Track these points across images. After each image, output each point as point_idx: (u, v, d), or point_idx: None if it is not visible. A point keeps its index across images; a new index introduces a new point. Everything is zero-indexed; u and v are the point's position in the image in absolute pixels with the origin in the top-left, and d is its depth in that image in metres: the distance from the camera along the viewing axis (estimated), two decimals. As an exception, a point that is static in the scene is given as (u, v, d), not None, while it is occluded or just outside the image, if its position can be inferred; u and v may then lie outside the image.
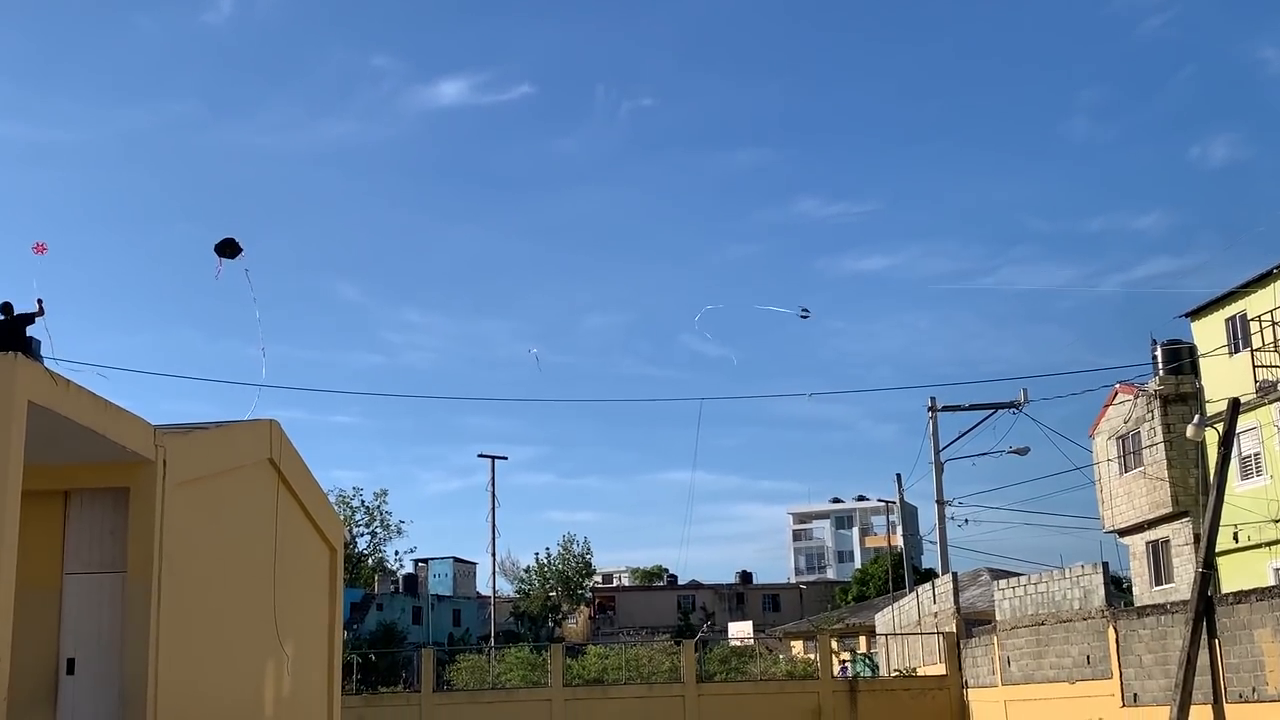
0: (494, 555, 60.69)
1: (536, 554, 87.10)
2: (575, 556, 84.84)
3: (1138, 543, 37.26)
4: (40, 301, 15.10)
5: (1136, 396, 36.00)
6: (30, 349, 14.62)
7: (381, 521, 77.28)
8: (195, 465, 14.49)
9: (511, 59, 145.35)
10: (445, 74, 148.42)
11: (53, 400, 11.78)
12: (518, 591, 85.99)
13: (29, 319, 15.00)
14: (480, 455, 60.39)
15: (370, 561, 77.63)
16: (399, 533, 79.04)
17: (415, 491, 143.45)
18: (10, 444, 11.06)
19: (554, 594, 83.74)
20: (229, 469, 15.68)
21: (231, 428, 16.05)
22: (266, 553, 16.62)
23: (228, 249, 17.16)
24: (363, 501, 76.00)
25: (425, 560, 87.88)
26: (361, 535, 76.16)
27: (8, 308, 14.95)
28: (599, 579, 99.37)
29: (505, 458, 66.11)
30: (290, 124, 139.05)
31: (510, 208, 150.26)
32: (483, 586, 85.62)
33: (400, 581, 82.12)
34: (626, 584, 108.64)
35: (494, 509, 58.28)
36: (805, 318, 30.47)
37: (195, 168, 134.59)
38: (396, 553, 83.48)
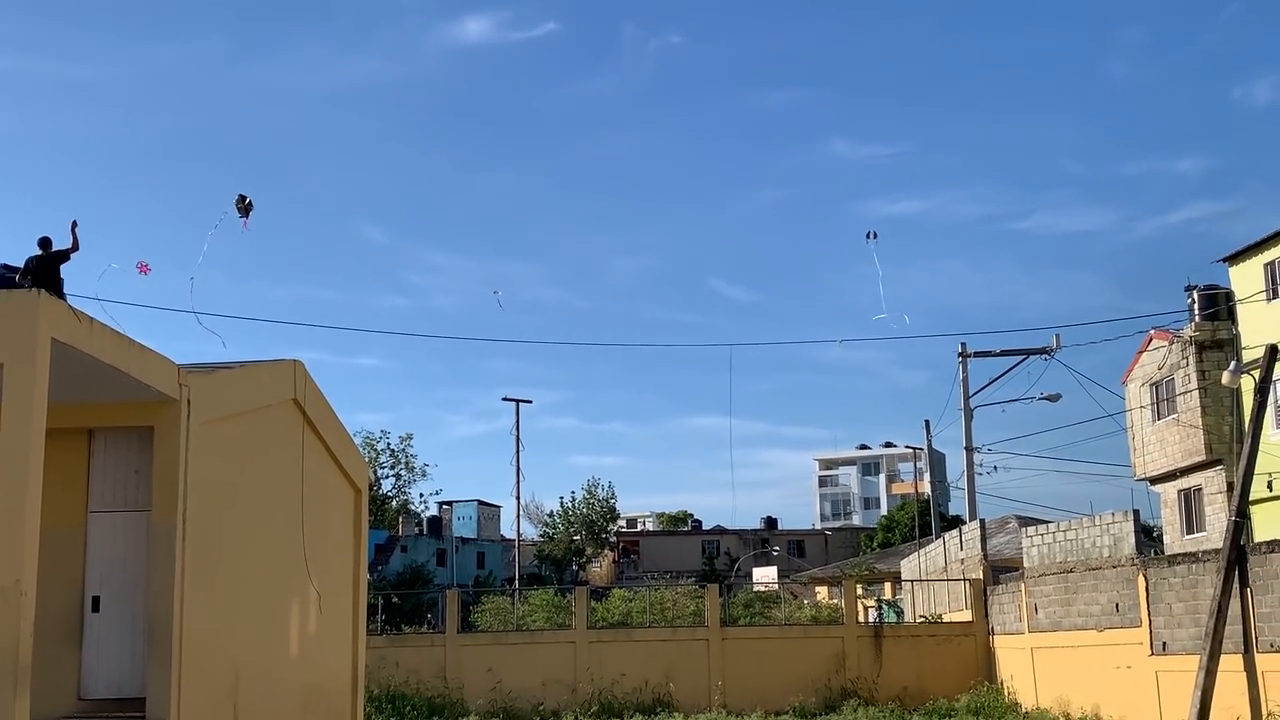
0: (519, 499, 61.08)
1: (561, 498, 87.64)
2: (599, 501, 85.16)
3: (1169, 491, 36.98)
4: (75, 227, 14.93)
5: (1171, 343, 35.57)
6: (61, 287, 14.52)
7: (406, 464, 77.80)
8: (219, 404, 14.37)
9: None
10: (470, 10, 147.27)
11: (76, 338, 11.63)
12: (542, 535, 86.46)
13: (64, 256, 14.88)
14: (505, 399, 60.64)
15: (395, 504, 78.12)
16: (424, 475, 79.70)
17: (441, 434, 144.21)
18: (35, 382, 10.94)
19: (578, 538, 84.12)
20: (253, 409, 15.56)
21: (255, 367, 15.91)
22: (291, 493, 16.54)
23: (242, 205, 17.19)
24: (388, 444, 76.47)
25: (450, 503, 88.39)
26: (386, 477, 76.62)
27: (46, 243, 14.83)
28: (623, 523, 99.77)
29: (530, 401, 66.36)
30: (314, 63, 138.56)
31: (537, 149, 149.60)
32: (507, 530, 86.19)
33: (425, 524, 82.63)
34: (651, 529, 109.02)
35: (519, 452, 58.54)
36: (873, 240, 30.23)
37: (219, 106, 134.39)
38: (421, 495, 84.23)
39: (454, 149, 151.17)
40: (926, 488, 58.14)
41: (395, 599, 43.42)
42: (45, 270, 14.57)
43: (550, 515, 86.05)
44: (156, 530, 13.24)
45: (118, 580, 13.66)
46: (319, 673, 17.70)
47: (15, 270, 14.93)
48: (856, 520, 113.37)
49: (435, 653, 33.05)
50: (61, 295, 14.02)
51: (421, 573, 68.88)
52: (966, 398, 38.81)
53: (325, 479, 18.08)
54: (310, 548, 16.86)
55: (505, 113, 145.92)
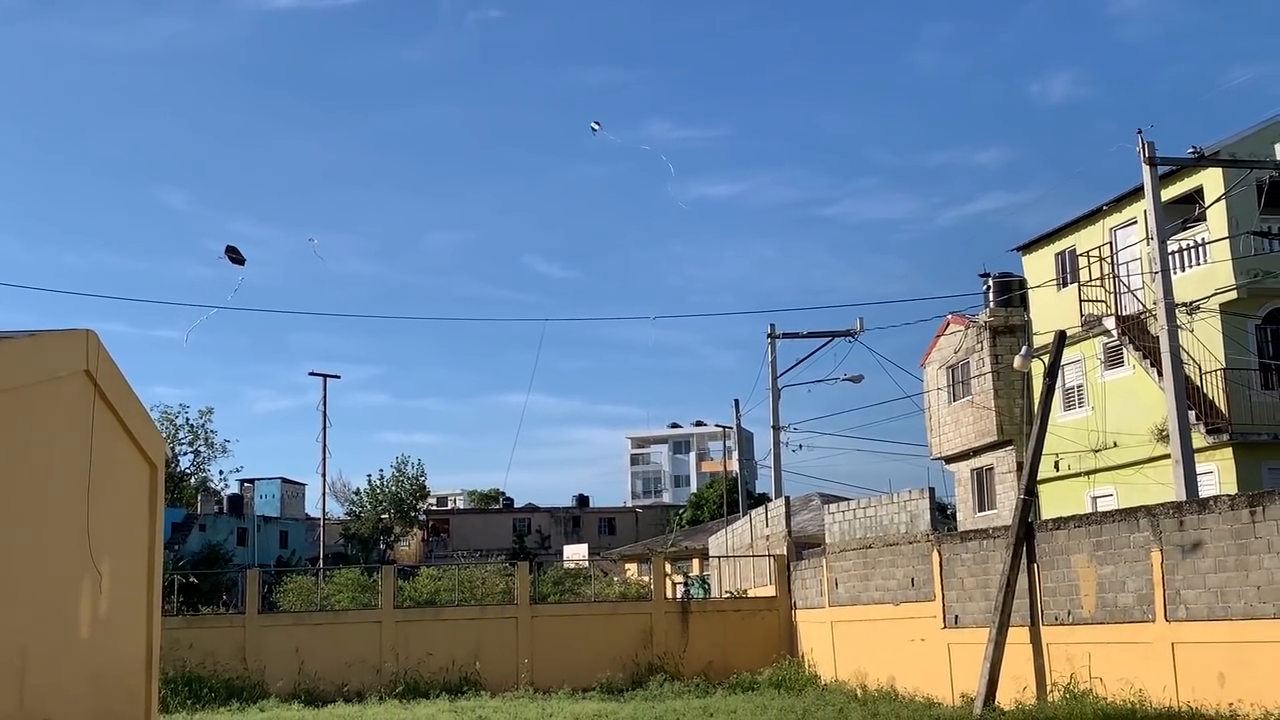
0: (324, 476, 59.66)
1: (369, 476, 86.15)
2: (409, 479, 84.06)
3: (963, 470, 38.49)
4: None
5: (967, 327, 36.98)
6: None
7: (206, 440, 75.41)
8: (3, 376, 13.57)
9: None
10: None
11: None
12: (348, 513, 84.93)
13: None
14: (312, 374, 59.14)
15: (194, 481, 75.62)
16: (224, 452, 77.44)
17: (244, 410, 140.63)
18: None
19: (386, 516, 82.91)
20: (40, 381, 14.75)
21: (43, 337, 15.08)
22: (80, 469, 15.77)
23: (233, 255, 16.38)
24: (187, 419, 73.96)
25: (251, 480, 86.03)
26: (185, 454, 74.07)
27: None
28: (434, 502, 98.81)
29: (338, 376, 65.03)
30: (115, 19, 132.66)
31: (351, 118, 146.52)
32: (312, 508, 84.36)
33: (225, 502, 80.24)
34: (462, 507, 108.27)
35: (325, 428, 57.19)
36: (596, 130, 30.15)
37: (9, 62, 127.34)
38: (222, 472, 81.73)
39: (262, 116, 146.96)
40: (735, 466, 59.17)
41: (193, 579, 42.01)
42: None
43: (358, 493, 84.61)
44: (-69, 508, 12.44)
45: (-114, 561, 12.78)
46: (112, 653, 16.96)
47: None
48: (667, 498, 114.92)
49: (234, 634, 32.09)
50: None
51: (220, 552, 66.98)
52: (774, 378, 39.64)
53: (118, 454, 17.30)
54: (101, 526, 16.11)
55: (316, 79, 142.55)
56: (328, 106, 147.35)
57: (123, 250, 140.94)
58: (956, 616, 23.37)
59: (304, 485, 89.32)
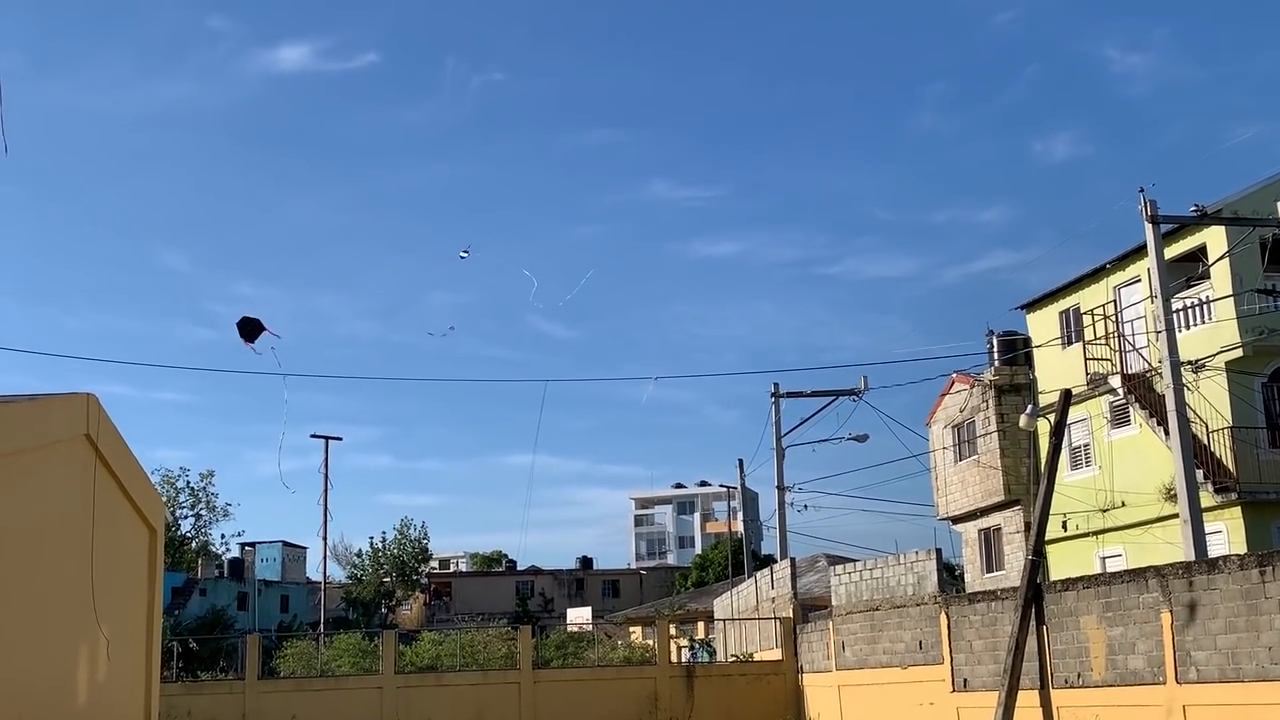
0: (325, 539, 59.28)
1: (371, 538, 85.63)
2: (411, 541, 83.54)
3: (970, 530, 38.20)
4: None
5: (972, 386, 36.86)
6: None
7: (207, 503, 74.91)
8: (4, 439, 13.49)
9: (358, 25, 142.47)
10: (287, 38, 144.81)
11: None
12: (350, 577, 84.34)
13: None
14: (313, 435, 58.87)
15: (194, 545, 75.14)
16: (225, 515, 76.73)
17: (245, 472, 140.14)
18: None
19: (388, 580, 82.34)
20: (41, 444, 14.67)
21: (44, 401, 15.02)
22: (80, 533, 15.64)
23: (250, 329, 16.24)
24: (188, 482, 73.54)
25: (252, 544, 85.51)
26: (186, 517, 73.67)
27: None
28: (436, 564, 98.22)
29: (340, 438, 64.84)
30: (119, 83, 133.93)
31: (352, 179, 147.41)
32: (313, 572, 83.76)
33: (226, 566, 79.69)
34: (465, 569, 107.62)
35: (326, 491, 56.82)
36: (465, 257, 30.13)
37: (15, 125, 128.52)
38: (223, 536, 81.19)
39: (264, 178, 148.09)
40: (740, 526, 58.80)
41: (193, 644, 41.60)
42: None
43: (359, 556, 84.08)
44: (-72, 574, 12.32)
45: (-118, 628, 12.63)
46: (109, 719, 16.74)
47: None
48: (671, 559, 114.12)
49: (234, 700, 31.71)
50: None
51: (221, 617, 66.41)
52: (779, 437, 39.49)
53: (118, 518, 17.18)
54: (101, 591, 15.96)
55: (318, 142, 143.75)
56: (329, 168, 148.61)
57: (123, 311, 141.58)
58: (965, 680, 23.09)
59: (305, 549, 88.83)
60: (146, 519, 18.35)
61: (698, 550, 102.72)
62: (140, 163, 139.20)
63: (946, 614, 23.82)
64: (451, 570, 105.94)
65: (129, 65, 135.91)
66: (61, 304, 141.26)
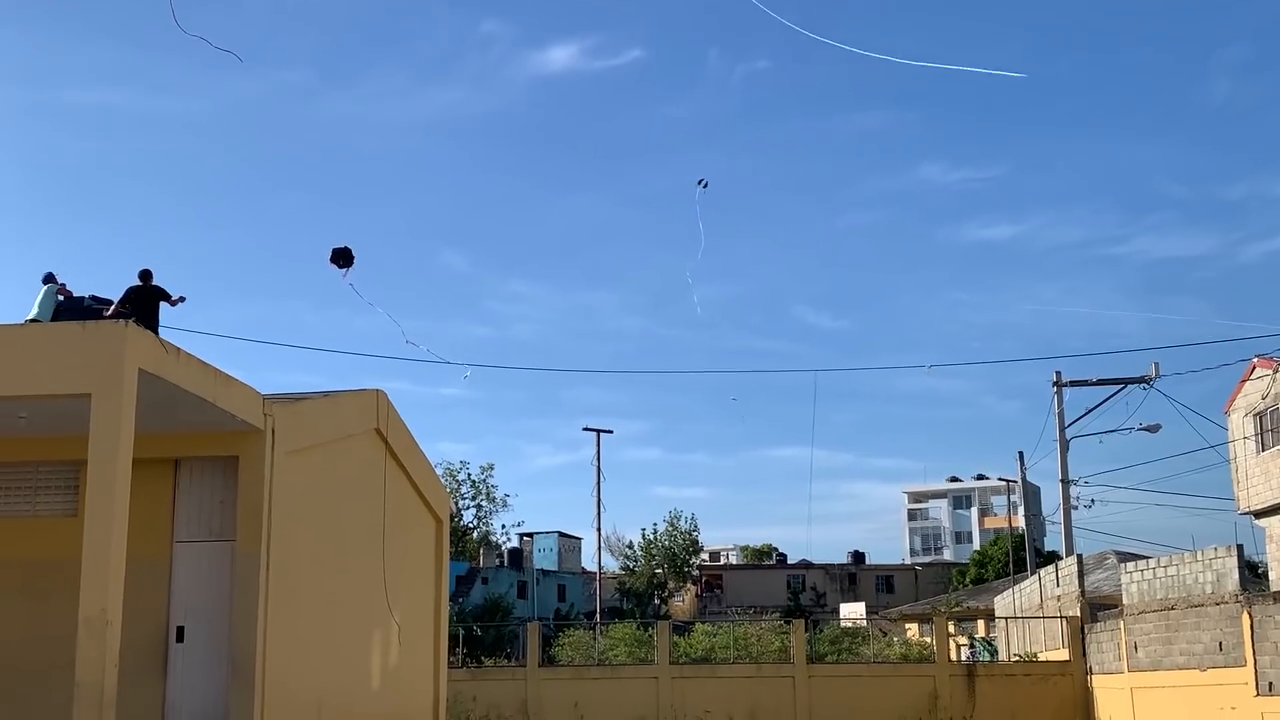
0: (599, 531, 60.76)
1: (643, 530, 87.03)
2: (682, 533, 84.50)
3: (1275, 525, 35.71)
4: (183, 299, 15.12)
5: (1275, 371, 34.42)
6: (157, 321, 14.57)
7: (487, 495, 77.94)
8: (303, 434, 14.31)
9: (623, 22, 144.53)
10: (555, 39, 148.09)
11: (163, 368, 11.62)
12: (623, 568, 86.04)
13: (166, 296, 14.94)
14: (586, 429, 60.44)
15: (476, 535, 78.24)
16: (505, 506, 79.69)
17: (521, 465, 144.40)
18: (121, 412, 10.93)
19: (660, 571, 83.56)
20: (336, 439, 15.50)
21: (339, 397, 15.87)
22: (374, 523, 16.44)
23: (342, 258, 17.14)
24: (469, 475, 76.66)
25: (530, 534, 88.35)
26: (468, 508, 76.81)
27: (147, 275, 14.92)
28: (706, 557, 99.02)
29: (611, 431, 66.11)
30: (398, 92, 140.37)
31: (620, 176, 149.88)
32: (588, 562, 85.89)
33: (505, 556, 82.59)
34: (734, 562, 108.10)
35: (599, 483, 58.29)
36: (704, 186, 28.44)
37: (305, 137, 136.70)
38: (503, 526, 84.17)
39: (538, 177, 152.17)
40: (1020, 522, 56.89)
41: (476, 631, 43.28)
42: (143, 301, 14.63)
43: (631, 547, 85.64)
44: (241, 560, 13.18)
45: (202, 610, 13.60)
46: (400, 704, 17.54)
47: (105, 303, 15.02)
48: (948, 555, 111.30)
49: (516, 686, 32.79)
50: (156, 329, 14.05)
51: (502, 605, 68.77)
52: (1062, 428, 37.90)
53: (407, 509, 17.97)
54: (391, 578, 16.73)
55: (590, 140, 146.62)
56: (596, 166, 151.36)
57: (408, 311, 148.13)
58: (1270, 684, 21.57)
59: (580, 539, 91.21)
60: (433, 510, 19.15)
61: (975, 546, 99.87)
62: (417, 169, 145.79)
63: (1249, 613, 22.32)
64: (722, 563, 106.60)
65: (405, 75, 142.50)
66: (351, 306, 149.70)
